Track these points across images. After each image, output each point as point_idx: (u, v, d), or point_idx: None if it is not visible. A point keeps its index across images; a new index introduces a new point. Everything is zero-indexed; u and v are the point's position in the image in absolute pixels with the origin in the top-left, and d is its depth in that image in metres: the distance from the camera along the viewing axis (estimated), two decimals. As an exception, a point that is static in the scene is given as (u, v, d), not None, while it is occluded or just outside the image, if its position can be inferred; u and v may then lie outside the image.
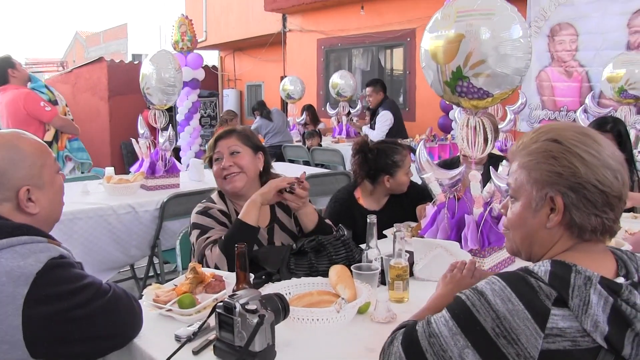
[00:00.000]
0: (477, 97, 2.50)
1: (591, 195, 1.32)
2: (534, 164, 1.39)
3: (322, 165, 8.03)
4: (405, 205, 3.46)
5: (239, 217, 2.53)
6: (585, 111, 6.25)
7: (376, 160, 3.40)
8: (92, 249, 3.93)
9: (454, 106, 7.44)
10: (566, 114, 8.14)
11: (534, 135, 1.43)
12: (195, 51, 9.71)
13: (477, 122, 2.60)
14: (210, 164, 2.84)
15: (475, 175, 2.57)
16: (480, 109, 2.61)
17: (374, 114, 8.02)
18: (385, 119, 7.65)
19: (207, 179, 4.96)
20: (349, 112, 9.33)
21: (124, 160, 11.35)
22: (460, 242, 2.51)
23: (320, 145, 8.37)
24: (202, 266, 2.30)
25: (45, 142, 5.64)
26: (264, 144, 3.10)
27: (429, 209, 2.78)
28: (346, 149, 7.98)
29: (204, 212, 2.69)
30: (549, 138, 1.38)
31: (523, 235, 1.47)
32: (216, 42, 14.89)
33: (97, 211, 3.95)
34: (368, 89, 7.86)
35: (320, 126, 9.91)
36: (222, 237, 2.52)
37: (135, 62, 12.49)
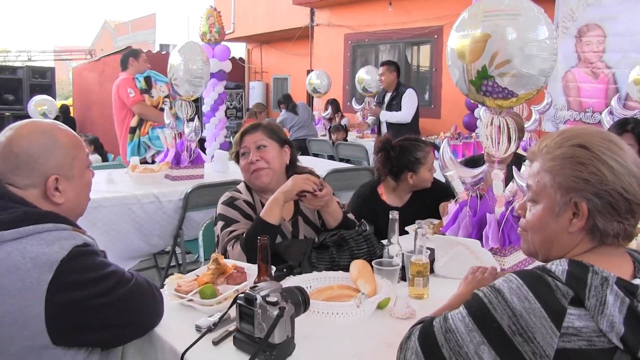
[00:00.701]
0: (501, 96, 2.50)
1: (616, 203, 1.32)
2: (559, 169, 1.39)
3: (346, 160, 8.04)
4: (428, 202, 3.46)
5: (260, 214, 2.54)
6: (610, 113, 6.20)
7: (399, 157, 3.41)
8: (115, 237, 3.98)
9: (479, 105, 7.44)
10: (592, 115, 8.06)
11: (558, 138, 1.43)
12: (222, 43, 9.74)
13: (501, 121, 2.60)
14: (237, 159, 2.86)
15: (498, 174, 2.57)
16: (505, 108, 2.60)
17: (384, 97, 7.68)
18: (413, 97, 7.26)
19: (231, 171, 5.00)
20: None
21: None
22: (481, 240, 2.52)
23: (346, 140, 8.38)
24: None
25: (131, 127, 5.99)
26: (289, 137, 3.10)
27: (451, 206, 2.78)
28: (370, 144, 7.93)
29: (230, 203, 2.72)
30: (576, 143, 1.38)
31: (543, 239, 1.47)
32: (244, 35, 14.95)
33: (122, 200, 4.00)
34: (382, 68, 7.47)
35: (344, 121, 9.92)
36: (244, 234, 2.54)
37: (163, 52, 12.55)
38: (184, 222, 4.29)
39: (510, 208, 2.56)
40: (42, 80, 13.72)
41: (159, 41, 30.79)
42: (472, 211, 2.65)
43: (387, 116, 7.27)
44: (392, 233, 2.37)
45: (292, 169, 2.87)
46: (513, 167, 2.64)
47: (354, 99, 10.30)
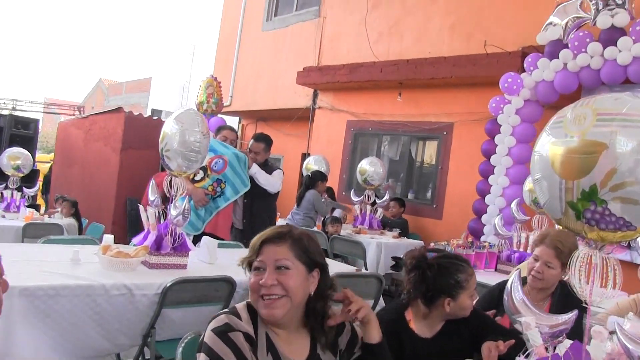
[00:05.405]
0: (611, 227, 1.87)
1: None
2: None
3: (340, 257, 7.41)
4: (464, 334, 2.85)
5: None
6: None
7: (436, 278, 2.77)
8: (71, 333, 3.25)
9: (496, 211, 6.83)
10: None
11: None
12: (218, 115, 9.22)
13: (605, 260, 1.95)
14: (248, 268, 2.17)
15: (601, 332, 1.90)
16: (607, 242, 1.97)
17: None
18: (281, 176, 6.53)
19: (219, 262, 4.38)
20: (375, 202, 8.74)
21: (127, 216, 10.77)
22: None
23: (339, 235, 7.74)
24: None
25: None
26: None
27: (520, 363, 2.10)
28: (368, 240, 7.60)
29: (222, 335, 1.97)
30: None
31: None
32: (240, 109, 14.45)
33: (86, 289, 3.27)
34: (259, 144, 6.49)
35: (337, 212, 9.27)
36: None
37: (155, 118, 12.01)
38: (157, 320, 3.56)
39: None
40: (24, 132, 13.12)
41: (152, 106, 30.56)
42: (555, 376, 1.96)
43: (255, 170, 6.20)
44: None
45: (320, 300, 2.19)
46: (616, 322, 1.97)
47: (352, 190, 9.66)
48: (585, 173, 1.84)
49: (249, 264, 2.13)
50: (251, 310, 2.10)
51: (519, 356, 2.15)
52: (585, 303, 2.85)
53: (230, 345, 1.95)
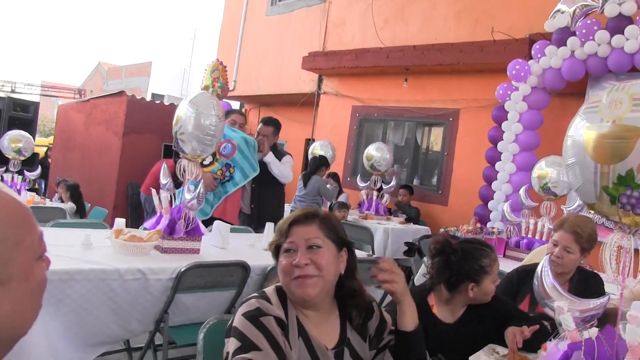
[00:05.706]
0: (647, 212, 1.85)
1: None
2: None
3: (347, 242, 7.40)
4: (485, 319, 2.85)
5: None
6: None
7: (460, 263, 2.79)
8: (84, 319, 3.21)
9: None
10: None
11: None
12: (224, 100, 9.14)
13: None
14: (275, 254, 2.15)
15: (637, 318, 1.87)
16: (640, 227, 1.94)
17: None
18: (292, 163, 6.46)
19: (231, 247, 4.35)
20: (381, 188, 8.71)
21: (128, 200, 10.72)
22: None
23: (346, 220, 7.73)
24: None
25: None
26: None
27: (552, 347, 2.08)
28: (375, 226, 7.64)
29: (254, 319, 1.95)
30: None
31: None
32: (244, 94, 14.38)
33: (99, 274, 3.22)
34: (267, 128, 6.38)
35: (343, 197, 9.26)
36: None
37: (157, 102, 11.92)
38: (170, 305, 3.53)
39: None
40: (23, 114, 13.02)
41: (152, 90, 30.45)
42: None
43: (270, 159, 6.15)
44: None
45: (350, 279, 2.17)
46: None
47: (359, 175, 9.63)
48: (621, 158, 1.82)
49: (277, 247, 2.12)
50: (281, 294, 2.09)
51: (550, 340, 2.14)
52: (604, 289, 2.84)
53: (262, 330, 1.92)
